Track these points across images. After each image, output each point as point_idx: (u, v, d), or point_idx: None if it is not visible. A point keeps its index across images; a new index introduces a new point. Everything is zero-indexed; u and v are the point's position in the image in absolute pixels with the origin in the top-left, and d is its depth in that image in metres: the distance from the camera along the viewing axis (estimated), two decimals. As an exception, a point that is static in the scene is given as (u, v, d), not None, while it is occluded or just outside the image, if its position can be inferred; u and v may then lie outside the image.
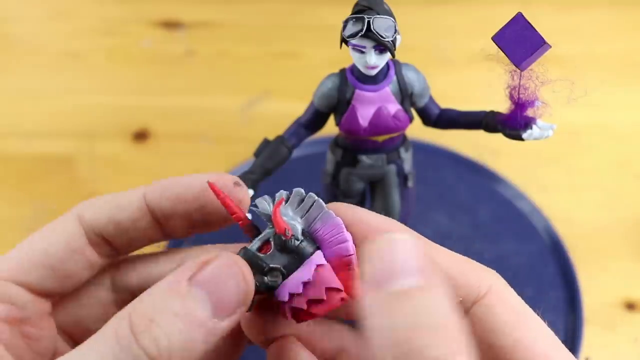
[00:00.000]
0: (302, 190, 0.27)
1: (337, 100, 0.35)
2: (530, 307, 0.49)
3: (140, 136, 0.62)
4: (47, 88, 0.67)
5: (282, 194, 0.27)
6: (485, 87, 0.33)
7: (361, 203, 0.42)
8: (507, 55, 0.31)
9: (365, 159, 0.37)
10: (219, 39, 0.72)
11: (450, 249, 0.50)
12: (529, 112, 0.33)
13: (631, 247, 0.52)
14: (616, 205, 0.55)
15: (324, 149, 0.40)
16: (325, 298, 0.25)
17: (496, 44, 0.31)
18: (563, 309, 0.47)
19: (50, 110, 0.65)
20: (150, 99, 0.66)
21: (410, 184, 0.39)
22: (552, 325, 0.46)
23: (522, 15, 0.31)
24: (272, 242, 0.26)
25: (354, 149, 0.38)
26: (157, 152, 0.60)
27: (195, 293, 0.23)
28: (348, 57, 0.34)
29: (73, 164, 0.59)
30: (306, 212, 0.27)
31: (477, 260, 0.50)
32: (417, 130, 0.40)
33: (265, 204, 0.27)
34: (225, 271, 0.24)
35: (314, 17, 0.74)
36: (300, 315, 0.26)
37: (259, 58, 0.70)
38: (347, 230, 0.26)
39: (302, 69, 0.68)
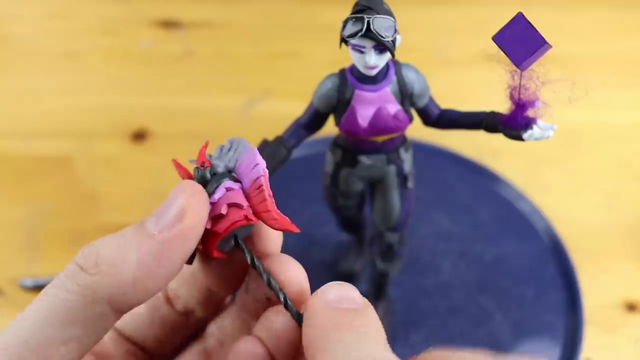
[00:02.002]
0: (233, 138, 0.28)
1: (336, 100, 0.35)
2: (531, 307, 0.49)
3: (139, 136, 0.61)
4: (46, 88, 0.67)
5: (218, 145, 0.28)
6: (486, 87, 0.33)
7: (361, 203, 0.42)
8: (507, 55, 0.31)
9: (365, 159, 0.37)
10: (218, 39, 0.72)
11: (450, 250, 0.51)
12: (530, 113, 0.33)
13: (632, 248, 0.52)
14: (617, 206, 0.55)
15: (323, 149, 0.40)
16: (224, 212, 0.25)
17: (496, 44, 0.31)
18: (563, 309, 0.47)
19: (48, 111, 0.64)
20: (149, 99, 0.66)
21: (410, 184, 0.39)
22: (552, 326, 0.46)
23: (523, 15, 0.31)
24: (195, 179, 0.26)
25: (353, 150, 0.37)
26: (156, 152, 0.60)
27: (147, 217, 0.24)
28: (348, 57, 0.34)
29: (71, 164, 0.59)
30: (233, 153, 0.27)
31: (477, 261, 0.50)
32: (417, 131, 0.40)
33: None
34: (175, 195, 0.24)
35: (313, 17, 0.74)
36: (206, 240, 0.25)
37: (259, 58, 0.70)
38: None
39: (302, 69, 0.68)
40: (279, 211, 0.26)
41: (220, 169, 0.26)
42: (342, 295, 0.24)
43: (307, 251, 0.50)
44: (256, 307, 0.27)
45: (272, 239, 0.27)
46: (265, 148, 0.36)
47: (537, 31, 0.30)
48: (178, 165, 0.27)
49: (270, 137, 0.36)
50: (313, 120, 0.36)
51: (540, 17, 0.32)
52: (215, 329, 0.29)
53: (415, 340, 0.46)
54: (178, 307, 0.29)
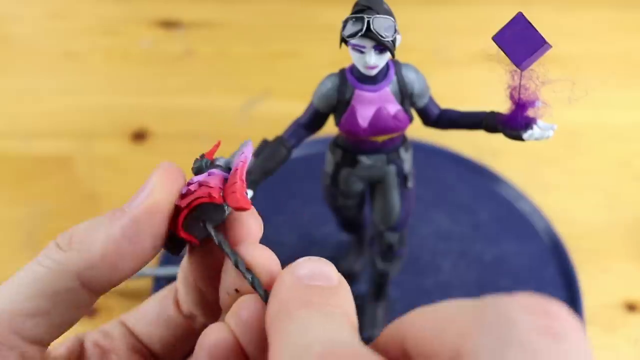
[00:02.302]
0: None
1: (336, 100, 0.35)
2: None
3: (139, 136, 0.61)
4: (46, 88, 0.67)
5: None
6: (486, 87, 0.33)
7: (361, 204, 0.42)
8: (507, 55, 0.31)
9: (365, 159, 0.37)
10: (218, 39, 0.72)
11: (450, 249, 0.51)
12: (530, 113, 0.33)
13: (632, 248, 0.52)
14: (617, 206, 0.55)
15: (323, 149, 0.40)
16: (191, 190, 0.25)
17: (496, 44, 0.31)
18: (563, 309, 0.47)
19: (48, 110, 0.64)
20: (149, 99, 0.66)
21: (410, 184, 0.39)
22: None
23: (523, 15, 0.31)
24: (192, 168, 0.27)
25: (353, 150, 0.37)
26: (155, 152, 0.60)
27: (126, 204, 0.25)
28: (348, 57, 0.34)
29: (71, 164, 0.59)
30: (236, 152, 0.27)
31: (477, 261, 0.50)
32: (417, 131, 0.40)
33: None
34: (149, 178, 0.25)
35: (313, 17, 0.74)
36: (175, 219, 0.25)
37: (259, 58, 0.70)
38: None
39: (302, 68, 0.68)
40: (244, 194, 0.25)
41: (220, 162, 0.27)
42: (315, 271, 0.23)
43: (307, 251, 0.50)
44: (230, 303, 0.25)
45: (247, 227, 0.26)
46: (265, 148, 0.36)
47: (537, 31, 0.30)
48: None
49: (270, 137, 0.36)
50: (313, 120, 0.36)
51: (540, 17, 0.32)
52: None
53: (415, 340, 0.46)
54: (184, 310, 0.28)
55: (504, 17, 0.31)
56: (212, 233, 0.25)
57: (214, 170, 0.26)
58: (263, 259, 0.25)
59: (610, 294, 0.49)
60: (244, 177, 0.26)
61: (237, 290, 0.25)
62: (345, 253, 0.49)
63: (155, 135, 0.62)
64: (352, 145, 0.37)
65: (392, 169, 0.38)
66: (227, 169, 0.27)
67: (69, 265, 0.23)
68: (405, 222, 0.40)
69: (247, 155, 0.26)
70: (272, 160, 0.35)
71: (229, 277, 0.25)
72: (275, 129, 0.37)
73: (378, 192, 0.39)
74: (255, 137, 0.36)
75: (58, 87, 0.67)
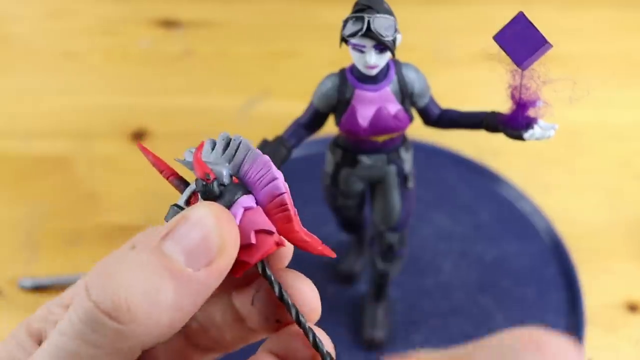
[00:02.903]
0: (228, 134, 0.24)
1: (336, 100, 0.35)
2: (532, 308, 0.49)
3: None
4: (45, 88, 0.67)
5: (207, 141, 0.25)
6: (486, 86, 0.33)
7: (361, 204, 0.42)
8: (508, 55, 0.31)
9: (365, 159, 0.37)
10: (218, 39, 0.72)
11: (451, 250, 0.51)
12: (531, 112, 0.33)
13: (633, 248, 0.52)
14: (618, 206, 0.55)
15: (324, 149, 0.40)
16: (254, 242, 0.22)
17: (497, 44, 0.31)
18: (564, 310, 0.47)
19: (48, 110, 0.64)
20: (148, 99, 0.65)
21: (410, 184, 0.39)
22: (553, 326, 0.46)
23: (524, 15, 0.31)
24: (197, 191, 0.23)
25: (353, 149, 0.37)
26: (155, 152, 0.59)
27: (167, 245, 0.21)
28: (348, 57, 0.34)
29: (71, 164, 0.59)
30: (233, 156, 0.24)
31: (478, 261, 0.50)
32: (417, 131, 0.40)
33: (190, 155, 0.25)
34: (202, 220, 0.21)
35: (313, 17, 0.73)
36: (233, 268, 0.22)
37: (258, 57, 0.70)
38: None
39: (302, 68, 0.68)
40: (307, 231, 0.24)
41: (226, 179, 0.23)
42: None
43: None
44: (265, 327, 0.25)
45: (283, 253, 0.25)
46: (265, 148, 0.35)
47: (537, 31, 0.30)
48: (155, 158, 0.25)
49: (270, 137, 0.36)
50: (313, 120, 0.36)
51: (540, 16, 0.32)
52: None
53: (415, 340, 0.46)
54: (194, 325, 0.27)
55: (505, 17, 0.31)
56: (286, 299, 0.23)
57: (244, 200, 0.23)
58: (307, 294, 0.24)
59: (611, 294, 0.49)
60: (296, 211, 0.23)
61: (278, 321, 0.24)
62: (345, 253, 0.49)
63: (154, 135, 0.61)
64: (352, 145, 0.37)
65: (392, 169, 0.38)
66: (241, 187, 0.24)
67: (133, 339, 0.20)
68: (406, 223, 0.40)
69: (282, 181, 0.23)
70: (272, 160, 0.35)
71: (271, 306, 0.24)
72: (275, 129, 0.36)
73: (378, 192, 0.39)
74: (255, 137, 0.36)
75: (57, 87, 0.67)
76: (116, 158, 0.60)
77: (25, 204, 0.55)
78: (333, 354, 0.24)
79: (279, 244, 0.23)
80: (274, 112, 0.62)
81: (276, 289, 0.23)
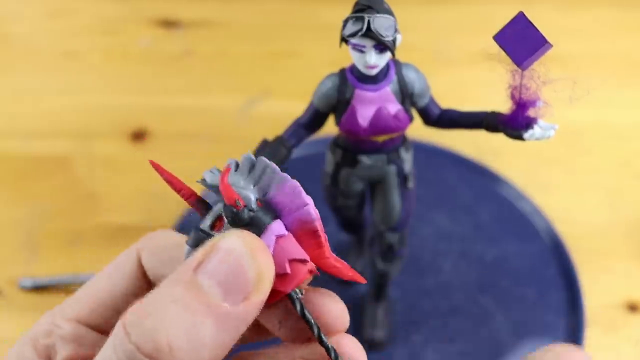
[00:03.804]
0: (252, 156, 0.24)
1: (336, 100, 0.35)
2: (532, 308, 0.49)
3: (139, 136, 0.61)
4: (45, 88, 0.67)
5: (230, 162, 0.24)
6: (486, 87, 0.32)
7: (361, 204, 0.41)
8: (508, 55, 0.31)
9: (365, 159, 0.37)
10: (218, 38, 0.72)
11: (451, 250, 0.51)
12: (531, 112, 0.33)
13: (633, 248, 0.52)
14: (618, 206, 0.55)
15: (323, 149, 0.40)
16: (289, 272, 0.22)
17: (497, 44, 0.31)
18: (564, 310, 0.47)
19: (47, 110, 0.64)
20: (148, 99, 0.65)
21: (410, 184, 0.39)
22: (553, 326, 0.46)
23: (524, 15, 0.31)
24: (224, 217, 0.23)
25: (354, 149, 0.37)
26: (155, 152, 0.60)
27: (202, 278, 0.20)
28: (348, 57, 0.34)
29: (71, 164, 0.59)
30: (259, 179, 0.23)
31: (478, 261, 0.50)
32: (417, 131, 0.40)
33: (213, 176, 0.24)
34: (236, 252, 0.21)
35: (313, 16, 0.73)
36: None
37: (258, 57, 0.70)
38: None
39: (302, 68, 0.68)
40: (336, 257, 0.24)
41: (253, 204, 0.23)
42: None
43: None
44: (292, 341, 0.25)
45: (335, 315, 0.24)
46: (265, 148, 0.35)
47: (537, 30, 0.30)
48: (166, 174, 0.24)
49: (270, 137, 0.36)
50: (313, 120, 0.36)
51: (541, 16, 0.32)
52: None
53: (415, 340, 0.46)
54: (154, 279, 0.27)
55: (505, 17, 0.31)
56: (308, 317, 0.23)
57: (275, 227, 0.23)
58: (334, 312, 0.24)
59: (612, 294, 0.49)
60: (326, 237, 0.23)
61: (308, 339, 0.24)
62: (345, 253, 0.49)
63: (154, 135, 0.61)
64: (352, 145, 0.37)
65: (392, 169, 0.38)
66: (271, 212, 0.23)
67: None
68: (406, 223, 0.40)
69: (312, 207, 0.23)
70: (272, 160, 0.35)
71: (299, 327, 0.24)
72: (275, 128, 0.36)
73: (378, 192, 0.39)
74: (255, 137, 0.36)
75: (57, 86, 0.67)
76: (116, 158, 0.60)
77: (25, 204, 0.55)
78: None
79: (312, 272, 0.23)
80: (274, 112, 0.62)
81: (298, 308, 0.23)
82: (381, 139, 0.36)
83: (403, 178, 0.38)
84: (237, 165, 0.24)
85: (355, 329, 0.45)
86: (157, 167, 0.24)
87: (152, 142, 0.61)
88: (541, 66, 0.31)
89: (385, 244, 0.41)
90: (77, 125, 0.62)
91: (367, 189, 0.40)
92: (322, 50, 0.68)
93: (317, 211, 0.23)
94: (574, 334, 0.46)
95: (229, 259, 0.20)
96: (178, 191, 0.24)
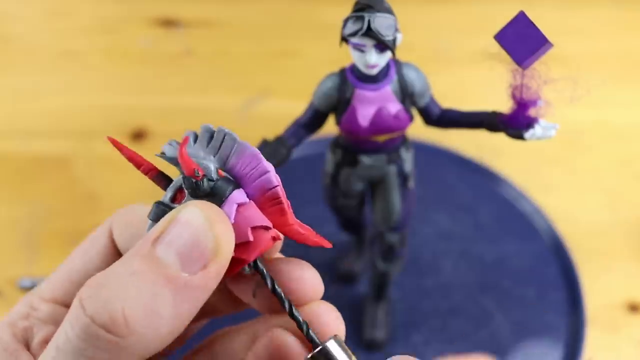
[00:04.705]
0: (211, 126, 0.23)
1: (337, 99, 0.35)
2: (532, 308, 0.49)
3: (138, 136, 0.61)
4: (45, 87, 0.67)
5: (188, 133, 0.23)
6: (487, 86, 0.32)
7: (361, 203, 0.41)
8: (509, 54, 0.31)
9: (365, 159, 0.37)
10: (218, 38, 0.72)
11: (451, 250, 0.51)
12: (531, 112, 0.33)
13: (634, 248, 0.52)
14: (619, 206, 0.55)
15: (323, 149, 0.40)
16: (252, 239, 0.22)
17: (498, 43, 0.31)
18: (565, 310, 0.47)
19: (47, 110, 0.64)
20: (148, 98, 0.65)
21: (410, 184, 0.39)
22: (554, 326, 0.46)
23: (524, 14, 0.30)
24: (184, 188, 0.22)
25: (354, 149, 0.37)
26: (155, 151, 0.59)
27: (159, 251, 0.20)
28: (348, 56, 0.33)
29: (70, 163, 0.59)
30: (219, 149, 0.23)
31: (478, 261, 0.50)
32: (417, 131, 0.40)
33: (172, 149, 0.24)
34: (194, 222, 0.20)
35: (313, 16, 0.73)
36: (231, 265, 0.22)
37: (258, 57, 0.70)
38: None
39: (302, 68, 0.68)
40: (301, 222, 0.23)
41: (214, 173, 0.23)
42: None
43: (307, 251, 0.50)
44: (269, 312, 0.25)
45: (310, 283, 0.24)
46: (265, 148, 0.35)
47: (538, 30, 0.30)
48: (125, 150, 0.24)
49: (270, 137, 0.36)
50: (313, 120, 0.36)
51: (541, 15, 0.32)
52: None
53: (415, 340, 0.46)
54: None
55: (506, 16, 0.31)
56: (279, 292, 0.23)
57: (236, 195, 0.22)
58: (332, 324, 0.24)
59: (612, 294, 0.49)
60: (289, 203, 0.23)
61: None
62: (346, 253, 0.49)
63: (154, 134, 0.61)
64: (352, 145, 0.37)
65: (392, 168, 0.38)
66: (231, 181, 0.23)
67: (132, 351, 0.19)
68: (406, 223, 0.40)
69: (274, 173, 0.23)
70: (272, 161, 0.35)
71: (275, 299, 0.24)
72: (275, 128, 0.36)
73: (378, 192, 0.39)
74: (255, 136, 0.36)
75: (57, 86, 0.67)
76: (116, 158, 0.59)
77: (25, 204, 0.55)
78: (343, 334, 0.24)
79: (275, 239, 0.23)
80: (274, 112, 0.62)
81: (269, 283, 0.23)
82: (381, 138, 0.36)
83: (403, 178, 0.38)
84: (195, 137, 0.24)
85: (355, 329, 0.45)
86: (115, 143, 0.24)
87: (152, 142, 0.61)
88: (542, 65, 0.31)
89: (386, 244, 0.41)
90: (77, 125, 0.62)
91: (367, 189, 0.40)
92: (322, 49, 0.68)
93: (278, 178, 0.23)
94: (575, 334, 0.46)
95: (187, 229, 0.20)
96: (138, 167, 0.24)
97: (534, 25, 0.30)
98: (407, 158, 0.38)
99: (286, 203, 0.23)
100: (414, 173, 0.39)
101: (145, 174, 0.24)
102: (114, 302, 0.19)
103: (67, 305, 0.25)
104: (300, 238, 0.24)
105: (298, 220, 0.23)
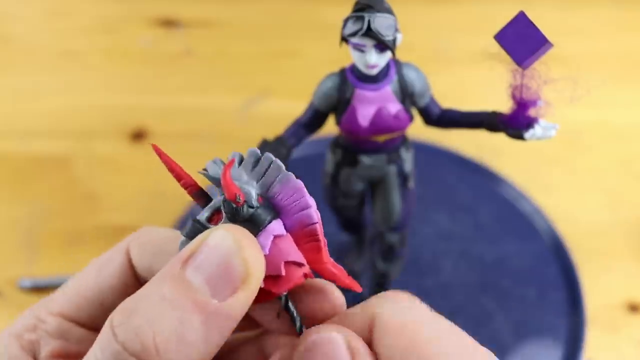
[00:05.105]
0: (258, 151, 0.23)
1: (337, 99, 0.35)
2: (532, 308, 0.48)
3: (138, 136, 0.61)
4: (44, 87, 0.67)
5: (234, 155, 0.23)
6: (487, 86, 0.32)
7: (361, 203, 0.41)
8: (509, 54, 0.31)
9: (365, 159, 0.37)
10: (218, 38, 0.72)
11: (451, 250, 0.51)
12: (531, 112, 0.33)
13: (634, 248, 0.52)
14: (619, 206, 0.55)
15: (323, 149, 0.40)
16: (283, 274, 0.22)
17: (498, 43, 0.31)
18: (565, 310, 0.47)
19: (47, 110, 0.64)
20: (148, 98, 0.65)
21: (410, 184, 0.39)
22: (554, 326, 0.46)
23: (524, 14, 0.30)
24: (223, 211, 0.22)
25: (354, 149, 0.37)
26: (154, 152, 0.60)
27: (189, 274, 0.20)
28: (348, 56, 0.33)
29: (70, 164, 0.59)
30: (263, 175, 0.23)
31: (478, 261, 0.50)
32: (417, 131, 0.40)
33: (216, 168, 0.23)
34: (223, 246, 0.20)
35: (313, 16, 0.73)
36: (258, 296, 0.21)
37: (258, 57, 0.70)
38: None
39: (302, 68, 0.68)
40: (334, 262, 0.23)
41: (254, 201, 0.22)
42: None
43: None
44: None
45: (333, 301, 0.24)
46: (265, 148, 0.35)
47: (538, 30, 0.30)
48: (169, 161, 0.23)
49: (270, 137, 0.36)
50: (313, 120, 0.36)
51: (541, 15, 0.32)
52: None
53: (416, 341, 0.45)
54: (142, 275, 0.26)
55: (506, 16, 0.31)
56: (293, 312, 0.22)
57: (275, 226, 0.22)
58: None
59: (613, 295, 0.49)
60: (326, 241, 0.22)
61: None
62: (346, 253, 0.49)
63: (154, 134, 0.61)
64: (352, 145, 0.37)
65: (392, 168, 0.38)
66: (271, 210, 0.22)
67: None
68: (406, 223, 0.40)
69: (315, 210, 0.22)
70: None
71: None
72: (275, 128, 0.36)
73: (378, 192, 0.39)
74: (255, 136, 0.36)
75: (57, 86, 0.67)
76: (116, 158, 0.59)
77: (25, 204, 0.55)
78: None
79: (307, 276, 0.22)
80: (274, 112, 0.62)
81: (297, 326, 0.23)
82: (381, 138, 0.36)
83: (403, 178, 0.38)
84: (241, 159, 0.23)
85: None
86: (159, 153, 0.23)
87: (151, 142, 0.61)
88: (542, 65, 0.31)
89: (386, 244, 0.41)
90: (77, 125, 0.62)
91: (367, 189, 0.40)
92: (323, 49, 0.68)
93: (319, 214, 0.22)
94: (575, 334, 0.46)
95: (216, 253, 0.20)
96: (179, 180, 0.23)
97: (534, 25, 0.30)
98: (407, 158, 0.38)
99: (323, 241, 0.23)
100: (414, 173, 0.39)
101: (185, 188, 0.23)
102: (145, 330, 0.18)
103: (76, 322, 0.25)
104: (331, 277, 0.23)
105: (332, 260, 0.23)
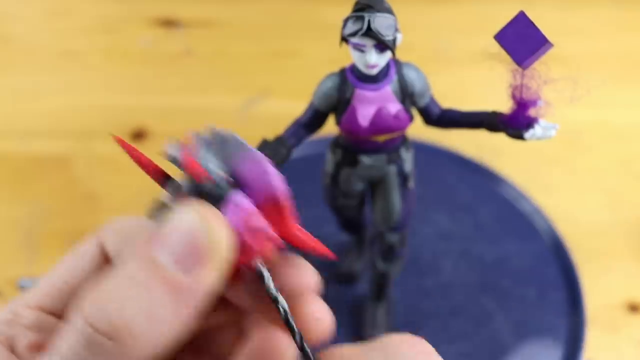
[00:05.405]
0: (215, 127, 0.23)
1: (337, 99, 0.35)
2: (532, 308, 0.48)
3: (138, 136, 0.61)
4: (44, 87, 0.67)
5: (193, 134, 0.23)
6: (487, 86, 0.32)
7: (361, 203, 0.41)
8: (509, 54, 0.31)
9: (365, 159, 0.37)
10: (218, 38, 0.72)
11: (451, 250, 0.51)
12: (531, 112, 0.33)
13: (634, 248, 0.52)
14: (619, 206, 0.55)
15: (323, 149, 0.40)
16: (250, 242, 0.22)
17: (498, 43, 0.31)
18: (565, 310, 0.47)
19: (47, 110, 0.64)
20: (148, 98, 0.65)
21: (410, 184, 0.39)
22: (554, 326, 0.46)
23: (524, 14, 0.31)
24: (186, 190, 0.22)
25: (354, 149, 0.37)
26: (155, 151, 0.60)
27: (155, 252, 0.20)
28: (348, 56, 0.33)
29: (70, 163, 0.59)
30: (222, 150, 0.23)
31: (478, 261, 0.50)
32: (417, 131, 0.40)
33: (175, 149, 0.23)
34: (189, 222, 0.20)
35: (313, 16, 0.73)
36: (233, 274, 0.22)
37: (258, 57, 0.70)
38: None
39: (302, 67, 0.68)
40: (304, 230, 0.23)
41: (217, 177, 0.22)
42: None
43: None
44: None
45: (304, 274, 0.24)
46: (265, 148, 0.35)
47: (538, 30, 0.30)
48: (132, 150, 0.23)
49: (270, 136, 0.36)
50: (313, 120, 0.36)
51: (541, 15, 0.32)
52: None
53: (416, 341, 0.45)
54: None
55: (506, 16, 0.31)
56: (273, 293, 0.22)
57: (235, 196, 0.22)
58: (321, 325, 0.23)
59: (613, 295, 0.49)
60: (294, 211, 0.22)
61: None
62: (346, 253, 0.49)
63: (154, 134, 0.61)
64: (352, 145, 0.37)
65: (392, 168, 0.38)
66: (230, 179, 0.22)
67: (134, 357, 0.19)
68: (406, 223, 0.40)
69: (279, 179, 0.22)
70: (272, 160, 0.35)
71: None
72: (275, 128, 0.36)
73: (378, 192, 0.39)
74: (255, 136, 0.36)
75: (57, 86, 0.67)
76: (116, 158, 0.59)
77: (25, 204, 0.55)
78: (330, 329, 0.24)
79: (273, 241, 0.22)
80: (274, 112, 0.62)
81: (297, 340, 0.22)
82: (381, 138, 0.36)
83: (403, 178, 0.38)
84: (200, 138, 0.23)
85: (355, 329, 0.45)
86: (121, 143, 0.23)
87: (152, 142, 0.61)
88: (542, 65, 0.31)
89: (386, 244, 0.41)
90: (77, 125, 0.62)
91: (367, 189, 0.40)
92: (323, 49, 0.68)
93: (282, 182, 0.22)
94: (575, 334, 0.46)
95: (181, 229, 0.20)
96: (144, 168, 0.23)
97: (534, 25, 0.30)
98: (407, 158, 0.38)
99: (288, 208, 0.23)
100: (414, 173, 0.39)
101: (152, 176, 0.24)
102: (114, 310, 0.19)
103: (54, 314, 0.25)
104: (301, 245, 0.23)
105: (302, 228, 0.23)
